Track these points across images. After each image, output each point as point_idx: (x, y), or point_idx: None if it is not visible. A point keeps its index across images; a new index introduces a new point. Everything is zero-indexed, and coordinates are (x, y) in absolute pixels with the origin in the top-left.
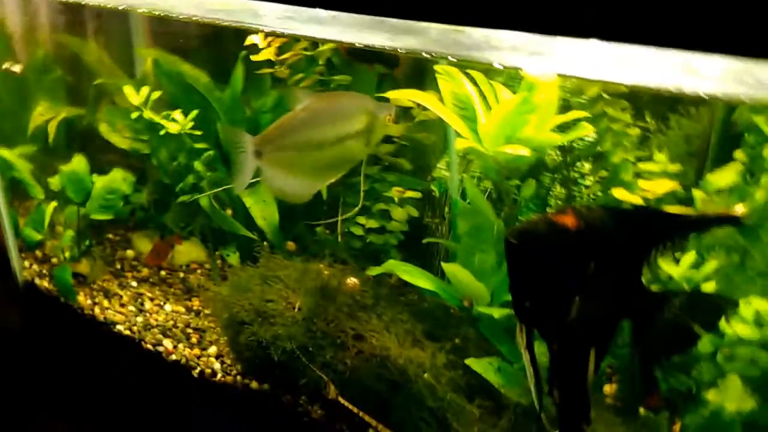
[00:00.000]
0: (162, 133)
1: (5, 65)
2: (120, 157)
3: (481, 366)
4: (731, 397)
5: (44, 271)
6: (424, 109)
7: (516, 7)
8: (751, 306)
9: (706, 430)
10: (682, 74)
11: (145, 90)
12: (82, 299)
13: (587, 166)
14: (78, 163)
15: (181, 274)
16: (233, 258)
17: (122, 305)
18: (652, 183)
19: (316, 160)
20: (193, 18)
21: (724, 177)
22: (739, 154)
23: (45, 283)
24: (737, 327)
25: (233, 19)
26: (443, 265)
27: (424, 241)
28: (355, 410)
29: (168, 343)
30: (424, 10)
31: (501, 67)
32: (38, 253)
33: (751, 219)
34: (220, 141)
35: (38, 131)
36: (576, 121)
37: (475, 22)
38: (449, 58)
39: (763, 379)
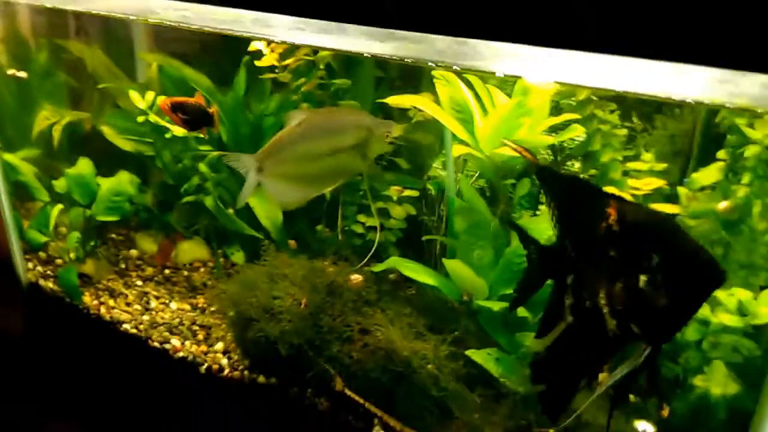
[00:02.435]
0: (168, 136)
1: (11, 71)
2: (122, 160)
3: (481, 357)
4: (716, 382)
5: (49, 272)
6: (421, 110)
7: (514, 21)
8: (734, 297)
9: (693, 413)
10: (671, 81)
11: (150, 94)
12: (88, 299)
13: (577, 165)
14: (84, 166)
15: (185, 273)
16: (237, 256)
17: (128, 304)
18: (640, 181)
19: (312, 170)
20: (205, 29)
21: (708, 175)
22: (722, 153)
23: (50, 284)
24: (721, 316)
25: (244, 30)
26: (445, 261)
27: (424, 238)
28: (361, 401)
29: (175, 341)
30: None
31: (502, 75)
32: (42, 254)
33: (733, 215)
34: (223, 143)
35: (42, 134)
36: (567, 123)
37: (476, 35)
38: (454, 67)
39: (745, 364)
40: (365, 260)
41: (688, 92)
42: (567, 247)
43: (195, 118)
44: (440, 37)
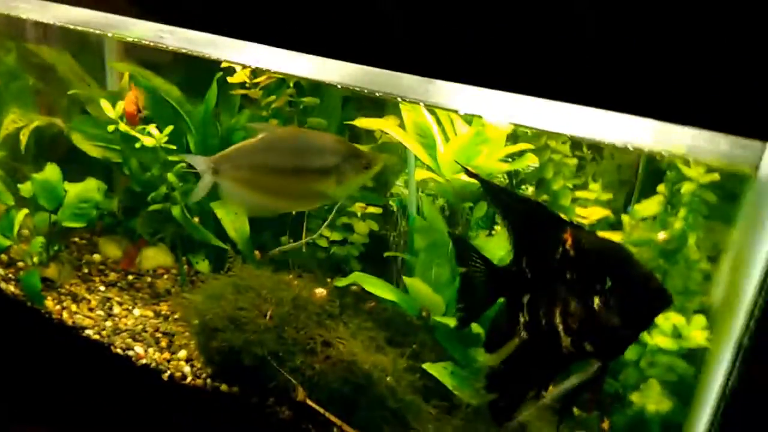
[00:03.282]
0: (137, 145)
1: None
2: (88, 166)
3: (437, 370)
4: (651, 398)
5: (10, 275)
6: (386, 132)
7: (478, 66)
8: (669, 320)
9: (630, 427)
10: (616, 128)
11: (120, 104)
12: (50, 304)
13: (531, 190)
14: (51, 171)
15: (149, 279)
16: (202, 265)
17: (91, 309)
18: (587, 210)
19: (275, 184)
20: (182, 50)
21: (649, 207)
22: (661, 188)
23: (11, 288)
24: (657, 339)
25: (221, 55)
26: (405, 279)
27: (386, 254)
28: (322, 411)
29: (138, 348)
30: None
31: (463, 114)
32: (3, 257)
33: (671, 244)
34: (191, 152)
35: (8, 138)
36: (522, 152)
37: (442, 76)
38: (421, 104)
39: (679, 383)
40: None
41: (629, 138)
42: (523, 268)
43: None
44: (409, 75)
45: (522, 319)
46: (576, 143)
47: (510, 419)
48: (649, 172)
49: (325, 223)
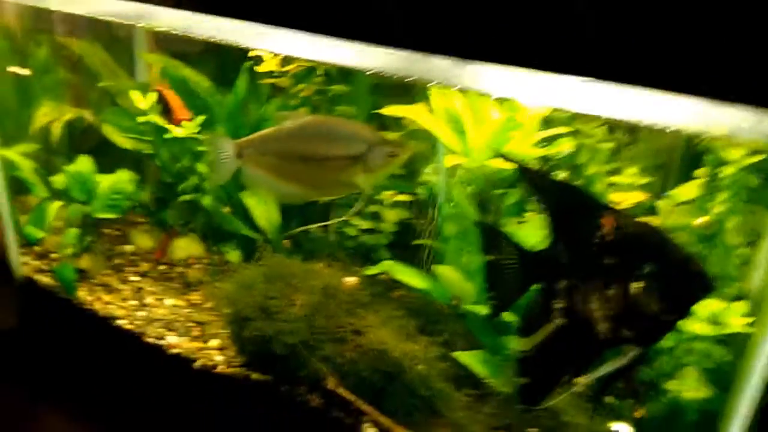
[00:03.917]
0: (167, 136)
1: (11, 68)
2: (119, 157)
3: (468, 358)
4: (688, 386)
5: (44, 267)
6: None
7: (513, 46)
8: (707, 306)
9: (666, 415)
10: (656, 108)
11: (151, 95)
12: (83, 294)
13: (563, 175)
14: (83, 163)
15: (180, 269)
16: (232, 255)
17: (123, 300)
18: (622, 195)
19: (301, 172)
20: (211, 39)
21: (686, 191)
22: (700, 172)
23: (45, 279)
24: (695, 325)
25: (248, 42)
26: (435, 267)
27: (415, 242)
28: (353, 399)
29: (170, 337)
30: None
31: (496, 98)
32: (37, 248)
33: (709, 229)
34: None
35: (41, 131)
36: (556, 136)
37: (477, 57)
38: (455, 88)
39: (716, 370)
40: None
41: (671, 119)
42: (559, 253)
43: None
44: (442, 57)
45: (557, 305)
46: (610, 127)
47: (538, 403)
48: (687, 156)
49: (352, 210)
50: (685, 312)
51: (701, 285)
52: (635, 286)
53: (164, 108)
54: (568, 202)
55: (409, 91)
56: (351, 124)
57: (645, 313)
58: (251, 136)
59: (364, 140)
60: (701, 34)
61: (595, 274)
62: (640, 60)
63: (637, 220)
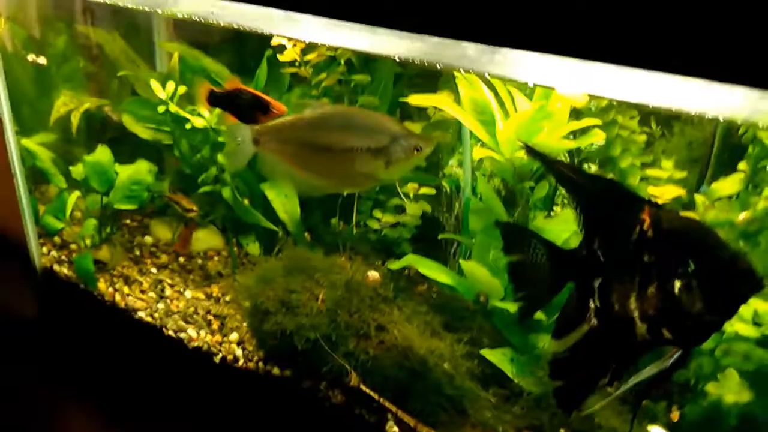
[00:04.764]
0: (188, 126)
1: (30, 57)
2: (138, 147)
3: (496, 356)
4: (730, 389)
5: (63, 258)
6: (440, 109)
7: (546, 32)
8: (750, 306)
9: (704, 419)
10: (697, 96)
11: (171, 85)
12: (103, 286)
13: (594, 168)
14: (102, 153)
15: (200, 261)
16: (252, 247)
17: (143, 291)
18: (660, 189)
19: (320, 163)
20: (234, 25)
21: (728, 186)
22: (742, 165)
23: (64, 270)
24: (737, 326)
25: (273, 28)
26: (462, 262)
27: (440, 236)
28: (376, 396)
29: (190, 330)
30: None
31: (531, 85)
32: (56, 239)
33: (752, 225)
34: None
35: (60, 120)
36: (587, 128)
37: (509, 44)
38: (486, 75)
39: (756, 372)
40: None
41: (714, 107)
42: (594, 250)
43: (247, 107)
44: (472, 43)
45: (592, 305)
46: (644, 118)
47: (578, 408)
48: (725, 148)
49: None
50: (732, 312)
51: (751, 283)
52: (679, 285)
53: (235, 105)
54: (604, 196)
55: (433, 79)
56: (374, 116)
57: (689, 313)
58: (269, 123)
59: (387, 132)
60: (751, 20)
61: (635, 272)
62: (685, 46)
63: (678, 214)
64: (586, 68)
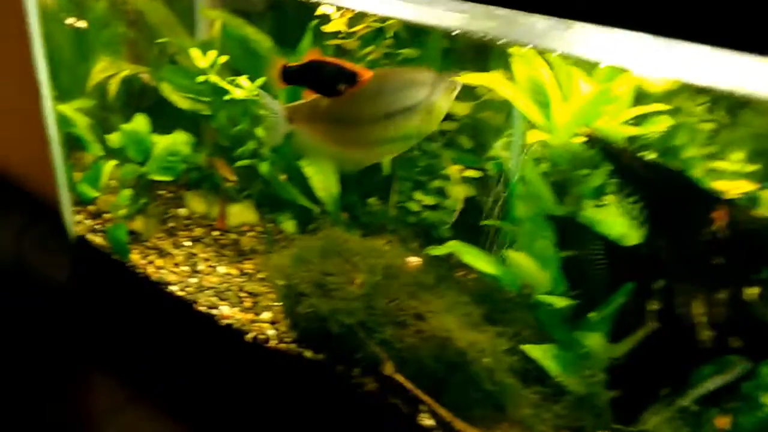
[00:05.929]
0: (227, 98)
1: (69, 20)
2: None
3: (538, 352)
4: None
5: (97, 227)
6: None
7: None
8: None
9: (759, 430)
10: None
11: (212, 54)
12: (136, 257)
13: (651, 157)
14: (139, 122)
15: (233, 236)
16: (288, 225)
17: (176, 265)
18: (725, 183)
19: (362, 134)
20: None
21: None
22: None
23: (97, 239)
24: None
25: None
26: (508, 253)
27: (482, 222)
28: (410, 387)
29: (222, 306)
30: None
31: (604, 65)
32: (90, 207)
33: None
34: None
35: (97, 86)
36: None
37: (580, 18)
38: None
39: None
40: None
41: None
42: (657, 249)
43: (333, 79)
44: (541, 17)
45: (652, 308)
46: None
47: (636, 420)
48: None
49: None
50: None
51: None
52: (750, 291)
53: (315, 80)
54: (671, 190)
55: (483, 56)
56: (406, 73)
57: (761, 322)
58: (302, 102)
59: (422, 84)
60: None
61: (702, 275)
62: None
63: (757, 214)
64: (671, 48)
